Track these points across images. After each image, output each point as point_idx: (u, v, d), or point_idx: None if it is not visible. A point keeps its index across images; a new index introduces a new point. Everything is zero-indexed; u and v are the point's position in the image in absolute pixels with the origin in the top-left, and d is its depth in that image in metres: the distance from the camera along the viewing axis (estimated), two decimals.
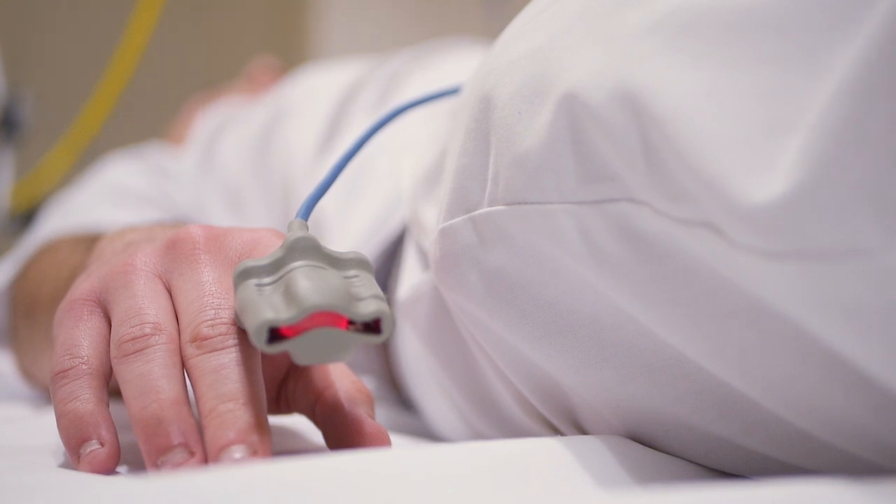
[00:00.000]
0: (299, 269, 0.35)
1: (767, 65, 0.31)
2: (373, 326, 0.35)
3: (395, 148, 0.62)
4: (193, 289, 0.38)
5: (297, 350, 0.34)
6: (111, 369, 0.38)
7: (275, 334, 0.34)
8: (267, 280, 0.36)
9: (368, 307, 0.34)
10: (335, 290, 0.34)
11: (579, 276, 0.36)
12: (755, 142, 0.30)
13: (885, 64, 0.28)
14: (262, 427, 0.35)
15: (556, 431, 0.43)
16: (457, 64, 0.73)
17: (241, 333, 0.37)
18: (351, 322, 0.35)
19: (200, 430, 0.35)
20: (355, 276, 0.36)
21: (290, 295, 0.34)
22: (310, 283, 0.34)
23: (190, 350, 0.36)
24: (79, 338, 0.38)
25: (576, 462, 0.34)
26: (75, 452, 0.36)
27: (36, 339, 0.66)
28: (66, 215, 0.78)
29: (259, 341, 0.34)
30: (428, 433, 0.55)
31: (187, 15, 1.89)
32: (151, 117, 1.55)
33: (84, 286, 0.40)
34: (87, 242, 0.66)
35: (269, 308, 0.34)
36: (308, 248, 0.36)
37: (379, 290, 0.36)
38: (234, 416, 0.34)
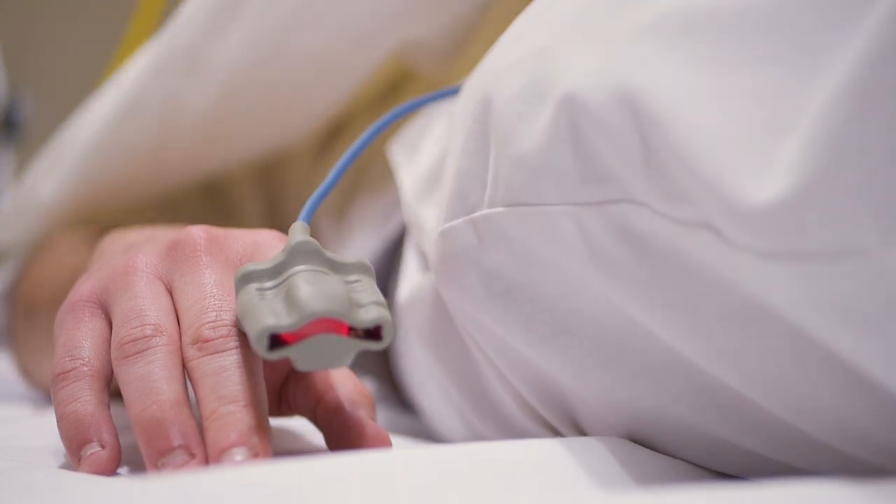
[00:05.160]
0: (300, 274, 0.35)
1: (766, 65, 0.31)
2: (373, 333, 0.35)
3: (395, 149, 0.62)
4: (195, 290, 0.38)
5: (298, 356, 0.34)
6: (112, 371, 0.38)
7: (276, 340, 0.34)
8: (268, 284, 0.36)
9: (369, 314, 0.35)
10: (336, 296, 0.34)
11: (579, 278, 0.36)
12: (753, 142, 0.30)
13: (884, 64, 0.28)
14: (263, 429, 0.35)
15: (556, 433, 0.43)
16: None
17: (243, 336, 0.37)
18: (352, 328, 0.35)
19: (201, 431, 0.35)
20: (356, 282, 0.36)
21: (291, 300, 0.34)
22: (311, 289, 0.34)
23: (191, 352, 0.36)
24: (80, 339, 0.39)
25: (576, 463, 0.34)
26: (76, 454, 0.36)
27: (36, 340, 0.66)
28: None
29: (260, 348, 0.34)
30: (428, 434, 0.55)
31: None
32: None
33: (85, 287, 0.40)
34: (87, 243, 0.66)
35: (270, 314, 0.34)
36: (309, 253, 0.36)
37: (380, 296, 0.36)
38: (236, 418, 0.34)
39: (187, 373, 0.37)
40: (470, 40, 0.67)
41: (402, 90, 0.73)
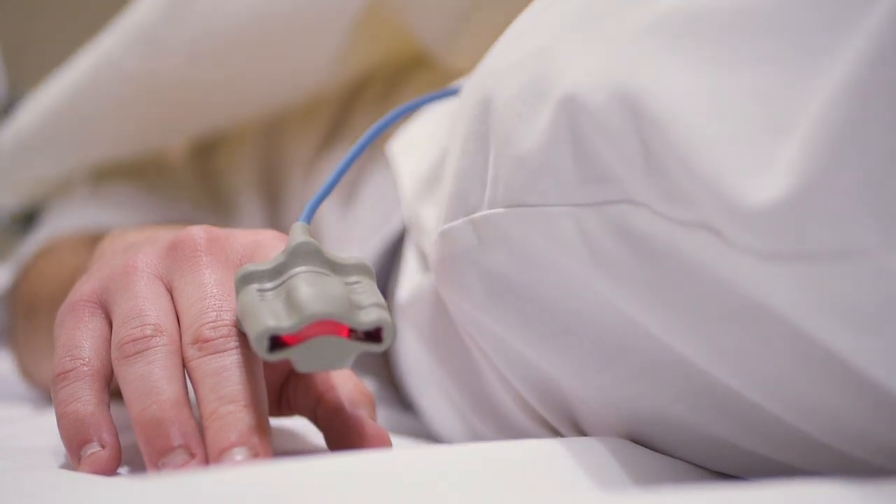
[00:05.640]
0: (301, 275, 0.35)
1: (766, 65, 0.31)
2: (374, 335, 0.35)
3: (395, 149, 0.62)
4: (195, 290, 0.38)
5: (298, 358, 0.34)
6: (112, 370, 0.38)
7: (276, 341, 0.34)
8: (268, 285, 0.36)
9: (369, 316, 0.35)
10: (336, 297, 0.34)
11: (579, 278, 0.36)
12: (753, 143, 0.30)
13: (884, 64, 0.28)
14: (263, 429, 0.35)
15: (556, 433, 0.43)
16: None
17: (243, 336, 0.37)
18: (352, 330, 0.35)
19: (201, 431, 0.35)
20: (357, 283, 0.36)
21: (291, 302, 0.34)
22: (311, 291, 0.34)
23: (191, 352, 0.36)
24: (80, 339, 0.39)
25: (576, 463, 0.35)
26: (76, 454, 0.36)
27: (36, 340, 0.66)
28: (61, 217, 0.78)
29: (260, 349, 0.34)
30: (428, 434, 0.55)
31: None
32: None
33: (85, 288, 0.40)
34: (88, 244, 0.66)
35: (270, 315, 0.34)
36: (310, 253, 0.36)
37: (381, 298, 0.36)
38: (236, 418, 0.34)
39: (187, 373, 0.37)
40: (474, 19, 0.66)
41: (403, 84, 0.73)
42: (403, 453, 0.39)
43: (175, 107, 0.74)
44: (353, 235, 0.65)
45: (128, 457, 0.37)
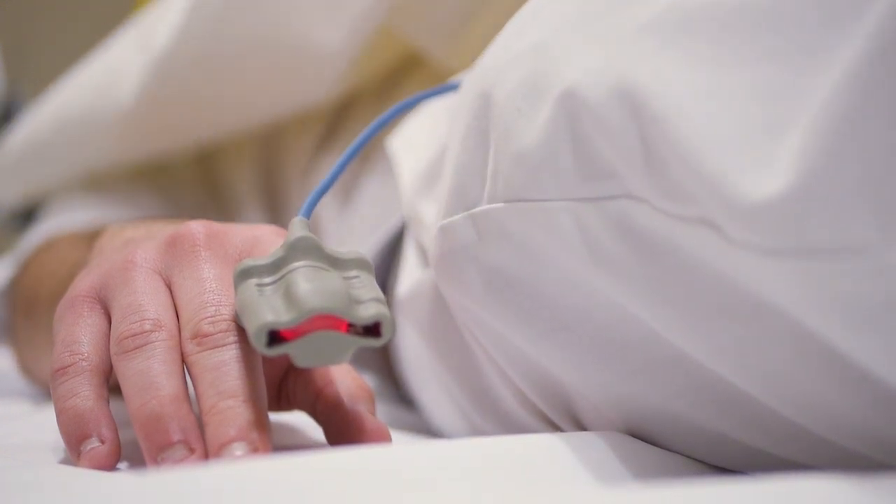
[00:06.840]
0: (300, 269, 0.35)
1: (765, 62, 0.31)
2: (373, 329, 0.35)
3: (395, 145, 0.62)
4: (194, 285, 0.38)
5: (297, 353, 0.34)
6: (111, 366, 0.38)
7: (274, 336, 0.34)
8: (267, 280, 0.36)
9: (368, 310, 0.35)
10: (335, 292, 0.34)
11: (578, 274, 0.36)
12: (753, 139, 0.30)
13: (884, 61, 0.28)
14: (262, 424, 0.35)
15: (555, 428, 0.43)
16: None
17: (242, 331, 0.37)
18: (351, 325, 0.35)
19: (201, 426, 0.35)
20: (356, 277, 0.36)
21: (290, 297, 0.34)
22: (310, 286, 0.34)
23: (190, 347, 0.36)
24: (79, 334, 0.39)
25: (575, 458, 0.35)
26: (76, 449, 0.36)
27: (36, 336, 0.66)
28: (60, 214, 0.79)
29: (259, 344, 0.34)
30: (428, 429, 0.55)
31: None
32: None
33: (84, 283, 0.40)
34: (87, 239, 0.66)
35: (269, 310, 0.34)
36: (309, 248, 0.36)
37: (379, 293, 0.36)
38: (235, 413, 0.34)
39: (187, 368, 0.37)
40: (475, 18, 0.66)
41: (403, 80, 0.73)
42: (403, 448, 0.39)
43: (179, 121, 0.75)
44: (353, 232, 0.65)
45: (127, 452, 0.37)
